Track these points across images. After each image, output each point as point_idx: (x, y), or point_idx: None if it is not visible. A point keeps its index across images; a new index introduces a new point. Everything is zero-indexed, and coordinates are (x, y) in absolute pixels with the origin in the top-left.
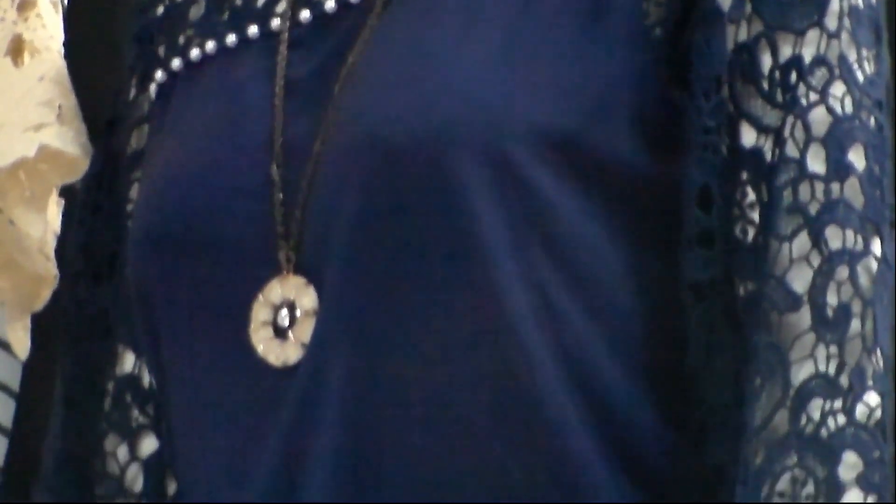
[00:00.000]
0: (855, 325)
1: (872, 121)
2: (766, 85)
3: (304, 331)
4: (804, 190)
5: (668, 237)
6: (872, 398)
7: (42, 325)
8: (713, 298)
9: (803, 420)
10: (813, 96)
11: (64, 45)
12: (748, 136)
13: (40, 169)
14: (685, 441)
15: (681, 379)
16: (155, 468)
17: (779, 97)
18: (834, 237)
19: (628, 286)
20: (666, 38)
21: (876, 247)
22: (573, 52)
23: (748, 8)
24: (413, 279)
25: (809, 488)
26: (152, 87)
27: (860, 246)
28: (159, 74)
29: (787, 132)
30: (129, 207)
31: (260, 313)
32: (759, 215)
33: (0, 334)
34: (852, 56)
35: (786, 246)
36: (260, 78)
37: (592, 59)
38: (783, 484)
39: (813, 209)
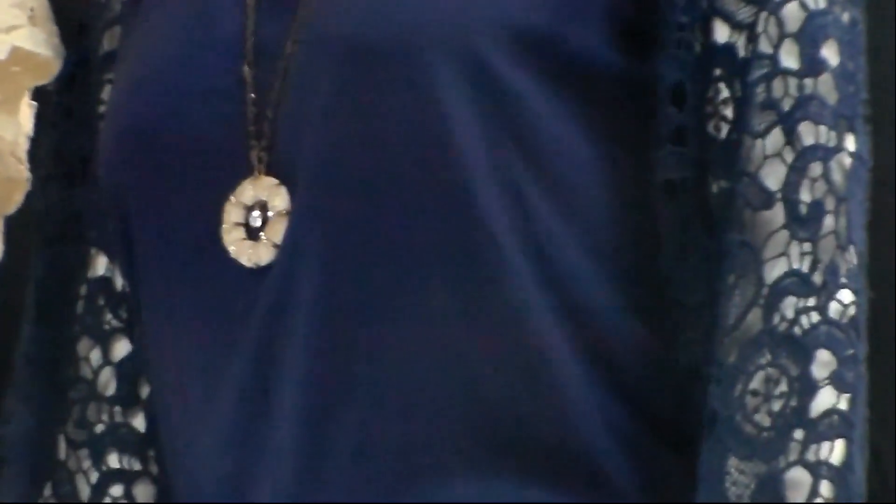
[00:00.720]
0: (828, 221)
1: (846, 15)
2: None
3: (277, 231)
4: (777, 86)
5: (641, 136)
6: (846, 295)
7: (16, 228)
8: (686, 197)
9: (776, 318)
10: None
11: None
12: (721, 33)
13: (12, 71)
14: (658, 341)
15: (654, 278)
16: (128, 372)
17: None
18: (807, 133)
19: (601, 185)
20: None
21: (850, 143)
22: None
23: None
24: (385, 177)
25: (783, 386)
26: None
27: (834, 142)
28: None
29: (760, 28)
30: (102, 109)
31: (232, 214)
32: (733, 112)
33: None
34: None
35: (759, 143)
36: None
37: None
38: (756, 382)
39: (786, 105)
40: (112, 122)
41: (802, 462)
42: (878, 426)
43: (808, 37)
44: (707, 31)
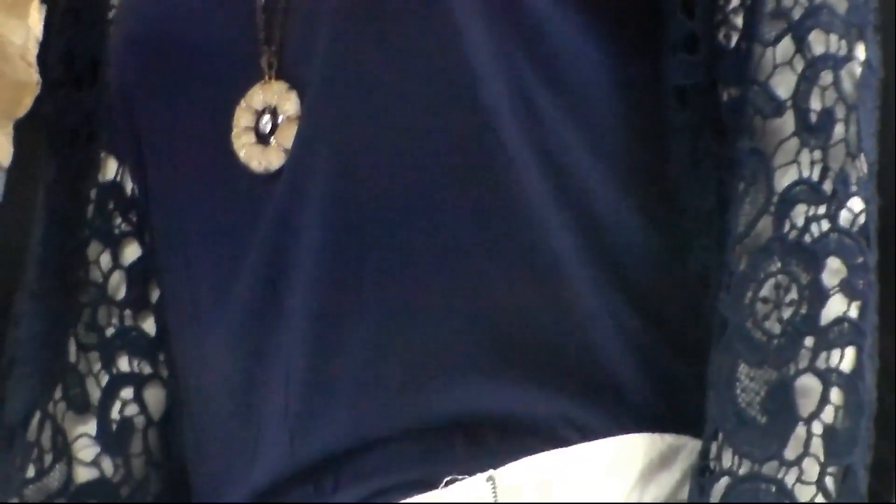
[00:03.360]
0: (839, 129)
1: None
2: None
3: (287, 136)
4: None
5: (652, 43)
6: (856, 204)
7: (25, 131)
8: (696, 104)
9: (787, 226)
10: None
11: None
12: None
13: None
14: (668, 247)
15: (664, 185)
16: (138, 275)
17: None
18: (817, 42)
19: (611, 91)
20: None
21: (860, 51)
22: None
23: None
24: (394, 82)
25: (793, 294)
26: None
27: (844, 50)
28: None
29: None
30: (112, 14)
31: (242, 119)
32: (743, 20)
33: None
34: None
35: (769, 51)
36: None
37: None
38: (766, 290)
39: (796, 13)
40: (122, 26)
41: (812, 369)
42: (887, 339)
43: None
44: None
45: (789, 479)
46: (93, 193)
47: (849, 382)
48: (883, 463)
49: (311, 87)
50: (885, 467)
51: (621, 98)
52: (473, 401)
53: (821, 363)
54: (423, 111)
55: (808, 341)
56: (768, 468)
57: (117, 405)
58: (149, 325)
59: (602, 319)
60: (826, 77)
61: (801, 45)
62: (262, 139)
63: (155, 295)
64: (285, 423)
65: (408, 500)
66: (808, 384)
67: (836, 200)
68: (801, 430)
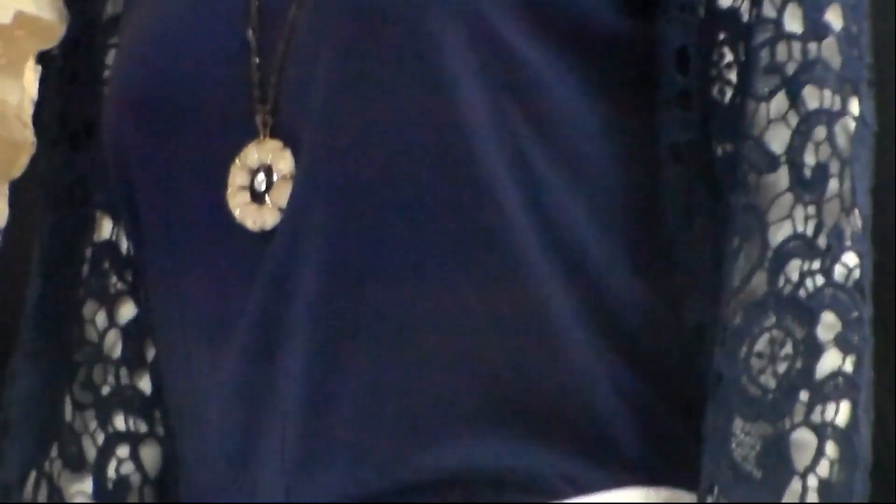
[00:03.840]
0: (833, 184)
1: None
2: None
3: (281, 195)
4: (781, 50)
5: (646, 99)
6: (851, 258)
7: (20, 193)
8: (691, 160)
9: (781, 281)
10: None
11: None
12: None
13: (16, 35)
14: (663, 303)
15: (658, 241)
16: (134, 334)
17: None
18: (811, 97)
19: (605, 148)
20: None
21: (854, 106)
22: None
23: None
24: (388, 142)
25: (788, 349)
26: None
27: (838, 105)
28: None
29: None
30: (106, 73)
31: (237, 177)
32: (737, 76)
33: None
34: None
35: (763, 106)
36: None
37: None
38: (761, 344)
39: (790, 69)
40: (117, 86)
41: (808, 423)
42: (882, 390)
43: (812, 0)
44: None
45: None
46: (88, 252)
47: (844, 436)
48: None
49: (306, 146)
50: (889, 430)
51: (615, 154)
52: (469, 457)
53: (816, 417)
54: (416, 171)
55: (804, 395)
56: None
57: (113, 463)
58: (144, 384)
59: (597, 375)
60: (820, 132)
61: (794, 101)
62: (257, 198)
63: (150, 353)
64: (282, 477)
65: None
66: (804, 438)
67: (831, 255)
68: (796, 484)
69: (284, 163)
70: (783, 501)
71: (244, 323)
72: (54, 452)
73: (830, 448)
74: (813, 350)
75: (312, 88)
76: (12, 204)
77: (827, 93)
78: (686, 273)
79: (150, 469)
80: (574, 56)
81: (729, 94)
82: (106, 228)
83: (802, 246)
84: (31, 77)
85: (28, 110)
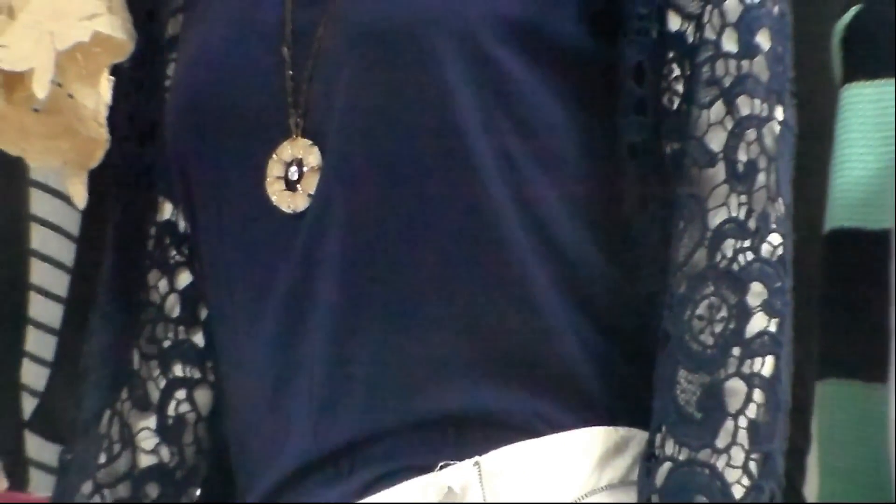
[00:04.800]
0: (761, 178)
1: (776, 8)
2: None
3: (310, 183)
4: (720, 66)
5: (609, 106)
6: (775, 238)
7: (97, 181)
8: (645, 157)
9: (718, 257)
10: None
11: None
12: (674, 22)
13: (94, 51)
14: (622, 274)
15: (618, 223)
16: (189, 297)
17: None
18: (744, 105)
19: (576, 146)
20: None
21: (779, 113)
22: None
23: None
24: (397, 140)
25: (723, 312)
26: None
27: (766, 112)
28: None
29: (705, 18)
30: (167, 83)
31: (274, 169)
32: (683, 87)
33: (62, 188)
34: None
35: (704, 112)
36: None
37: None
38: (702, 309)
39: (727, 82)
40: (176, 94)
41: (739, 374)
42: (800, 347)
43: (745, 26)
44: (662, 20)
45: (720, 463)
46: (152, 230)
47: (769, 385)
48: (796, 450)
49: (331, 144)
50: (798, 453)
51: (584, 151)
52: (462, 401)
53: (746, 369)
54: (420, 164)
55: (736, 351)
56: (703, 455)
57: (173, 404)
58: (198, 338)
59: (568, 333)
60: (751, 134)
61: (730, 108)
62: (290, 186)
63: (203, 313)
64: (310, 417)
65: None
66: (736, 386)
67: (759, 236)
68: (729, 423)
69: (313, 157)
70: (718, 438)
71: (279, 288)
72: (124, 395)
73: (758, 394)
74: (743, 314)
75: (336, 96)
76: (90, 189)
77: (757, 102)
78: (641, 249)
79: (202, 409)
80: (551, 70)
81: (677, 102)
82: (167, 210)
83: (735, 228)
84: (105, 85)
85: (103, 113)
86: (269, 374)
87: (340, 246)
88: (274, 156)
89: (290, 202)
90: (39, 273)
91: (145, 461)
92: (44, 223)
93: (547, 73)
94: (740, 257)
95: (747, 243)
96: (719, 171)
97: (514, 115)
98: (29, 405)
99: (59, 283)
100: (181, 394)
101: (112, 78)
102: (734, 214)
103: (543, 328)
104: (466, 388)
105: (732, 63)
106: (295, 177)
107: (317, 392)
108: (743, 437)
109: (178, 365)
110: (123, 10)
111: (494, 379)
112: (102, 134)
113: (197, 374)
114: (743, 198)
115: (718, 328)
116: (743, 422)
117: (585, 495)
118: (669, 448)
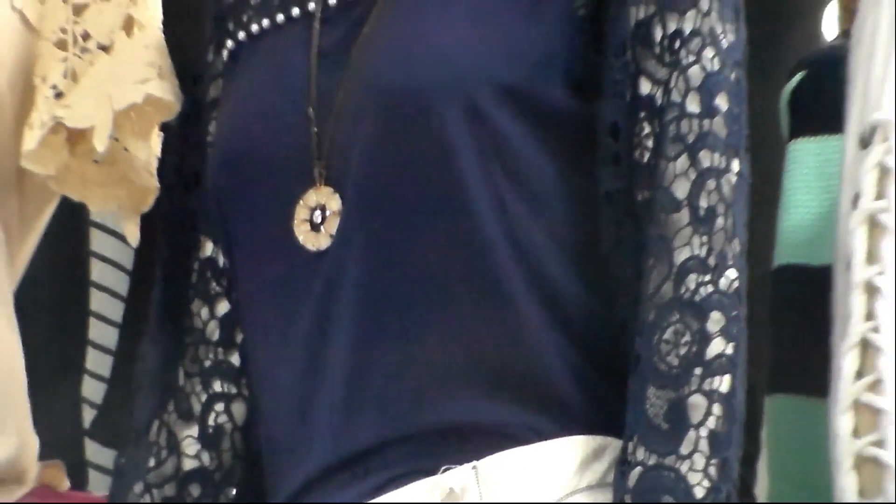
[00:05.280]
0: (720, 221)
1: (733, 75)
2: (657, 50)
3: (332, 226)
4: (684, 125)
5: (589, 158)
6: (732, 273)
7: (147, 222)
8: (620, 202)
9: (682, 289)
10: (691, 58)
11: (161, 22)
12: (645, 87)
13: (146, 111)
14: (600, 303)
15: (597, 259)
16: (227, 323)
17: (667, 58)
18: (705, 158)
19: (560, 193)
20: (587, 16)
21: (735, 165)
22: (521, 26)
23: None
24: (407, 188)
25: (687, 337)
26: (225, 53)
27: (724, 165)
28: (230, 43)
29: (672, 83)
30: (209, 139)
31: (300, 213)
32: (653, 143)
33: (118, 228)
34: (719, 29)
35: (671, 165)
36: (300, 46)
37: (535, 32)
38: (668, 334)
39: (690, 138)
40: (216, 148)
41: (700, 390)
42: (753, 367)
43: (707, 90)
44: (635, 85)
45: (684, 468)
46: (195, 265)
47: (726, 400)
48: (748, 456)
49: (350, 191)
50: (750, 459)
51: (567, 198)
52: (462, 413)
53: (706, 386)
54: (427, 210)
55: (698, 371)
56: (669, 460)
57: (213, 415)
58: (234, 359)
59: (552, 355)
60: (711, 184)
61: (693, 161)
62: (315, 228)
63: (238, 337)
64: (330, 427)
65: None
66: (697, 401)
67: (718, 271)
68: (692, 433)
69: (334, 203)
70: (682, 446)
71: (304, 316)
72: (171, 407)
73: (716, 408)
74: (704, 339)
75: (353, 150)
76: (142, 230)
77: (716, 155)
78: (616, 282)
79: (238, 419)
80: (539, 128)
81: (647, 155)
82: (208, 248)
83: (697, 264)
84: (156, 140)
85: (153, 164)
86: (296, 390)
87: (357, 280)
88: (300, 202)
89: (315, 242)
90: (98, 301)
91: (188, 465)
92: (102, 258)
93: (536, 130)
94: (702, 289)
95: (708, 277)
96: (684, 216)
97: (507, 166)
98: (89, 416)
99: (115, 310)
100: (220, 406)
101: (161, 134)
102: (696, 253)
103: (532, 351)
104: (466, 402)
105: (695, 122)
106: (319, 220)
107: (336, 405)
108: (704, 445)
109: (217, 381)
110: (171, 76)
111: (490, 394)
112: (153, 182)
113: (233, 390)
114: (704, 238)
115: (682, 351)
116: (704, 432)
117: (568, 495)
118: (640, 454)
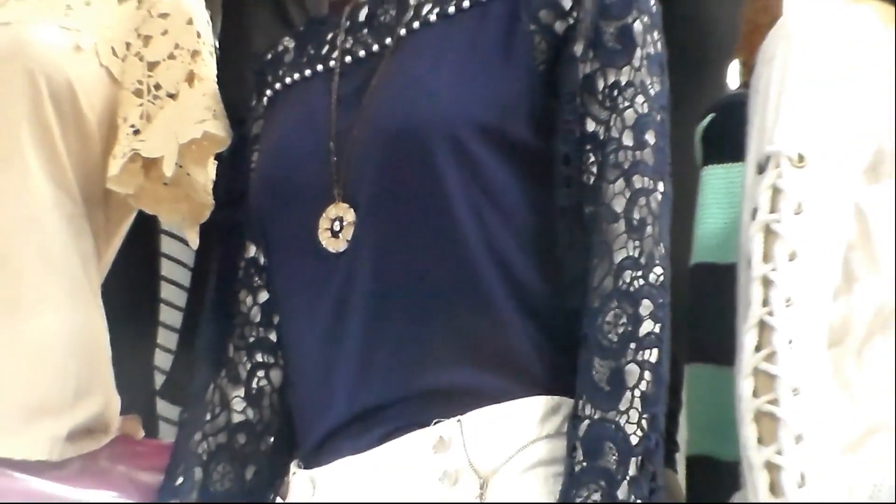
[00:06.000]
0: (649, 229)
1: (659, 116)
2: (600, 97)
3: (348, 233)
4: (621, 155)
5: (548, 181)
6: (658, 270)
7: (205, 230)
8: (572, 215)
9: (620, 282)
10: (626, 103)
11: (216, 75)
12: (590, 125)
13: (204, 144)
14: (557, 293)
15: (555, 260)
16: (267, 308)
17: (608, 104)
18: (637, 181)
19: (527, 210)
20: (546, 70)
21: (661, 186)
22: (495, 78)
23: (590, 54)
24: (406, 205)
25: (623, 319)
26: (265, 99)
27: (652, 186)
28: (268, 92)
29: (612, 123)
30: (252, 166)
31: (323, 223)
32: (596, 169)
33: (182, 234)
34: (648, 80)
35: (611, 186)
36: (323, 94)
37: (505, 82)
38: (609, 317)
39: (626, 165)
40: (257, 174)
41: (635, 360)
42: (674, 343)
43: (639, 128)
44: (583, 124)
45: (622, 421)
46: (242, 263)
47: (654, 368)
48: (672, 412)
49: (362, 207)
50: (673, 414)
51: (531, 211)
52: (449, 379)
53: (639, 357)
54: (421, 225)
55: (632, 345)
56: (610, 415)
57: (255, 380)
58: (272, 336)
59: (520, 334)
60: (642, 201)
61: (628, 183)
62: (335, 234)
63: (275, 319)
64: (346, 389)
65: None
66: (632, 369)
67: (647, 268)
68: (628, 394)
69: (350, 215)
70: (620, 403)
71: (327, 302)
72: (223, 374)
73: (647, 374)
74: (637, 321)
75: (364, 176)
76: (201, 237)
77: (646, 179)
78: (569, 277)
79: (275, 383)
80: (510, 158)
81: (592, 179)
82: (251, 250)
83: (632, 263)
84: (211, 167)
85: (209, 185)
86: (319, 361)
87: (368, 275)
88: (324, 214)
89: (335, 245)
90: (166, 291)
91: (236, 419)
92: (169, 258)
93: (506, 159)
94: (635, 282)
95: (640, 273)
96: (621, 225)
97: (485, 189)
98: (159, 380)
99: (180, 297)
100: (261, 373)
101: (216, 162)
102: (631, 254)
103: (504, 331)
104: (452, 370)
105: (629, 153)
106: (338, 228)
107: (351, 373)
108: (637, 403)
109: (259, 353)
110: (224, 117)
111: (471, 364)
112: (209, 200)
113: (272, 360)
114: (637, 243)
115: (620, 330)
116: (637, 393)
117: (532, 442)
118: (588, 410)
